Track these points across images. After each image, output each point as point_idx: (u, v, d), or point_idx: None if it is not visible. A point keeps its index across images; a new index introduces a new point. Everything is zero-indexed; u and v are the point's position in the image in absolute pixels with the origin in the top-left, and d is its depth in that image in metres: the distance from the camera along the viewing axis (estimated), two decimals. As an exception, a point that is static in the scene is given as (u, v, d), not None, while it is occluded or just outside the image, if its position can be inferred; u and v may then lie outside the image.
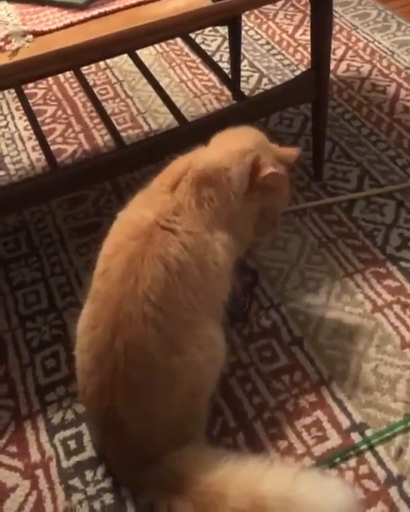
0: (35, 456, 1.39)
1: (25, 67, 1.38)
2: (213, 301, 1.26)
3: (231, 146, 1.32)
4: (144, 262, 1.17)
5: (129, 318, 1.16)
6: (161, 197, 1.26)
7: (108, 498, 1.31)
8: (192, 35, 2.16)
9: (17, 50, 1.36)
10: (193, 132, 1.73)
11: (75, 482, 1.34)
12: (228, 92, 2.33)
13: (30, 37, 1.38)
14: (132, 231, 1.21)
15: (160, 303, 1.17)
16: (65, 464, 1.37)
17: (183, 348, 1.20)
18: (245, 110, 1.80)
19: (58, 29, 1.40)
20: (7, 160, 2.14)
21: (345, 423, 1.38)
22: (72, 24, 1.40)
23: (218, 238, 1.25)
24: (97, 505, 1.30)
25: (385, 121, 2.14)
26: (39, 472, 1.36)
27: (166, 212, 1.22)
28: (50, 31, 1.40)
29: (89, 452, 1.39)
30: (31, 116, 1.89)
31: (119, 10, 1.42)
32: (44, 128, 2.16)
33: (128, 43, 1.47)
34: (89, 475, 1.35)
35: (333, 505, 1.11)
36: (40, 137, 1.82)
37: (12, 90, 2.35)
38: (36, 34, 1.39)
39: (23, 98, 1.93)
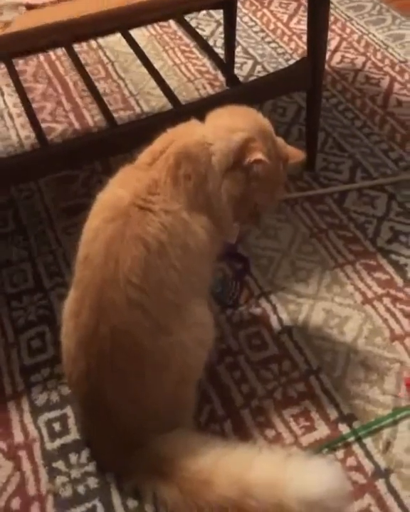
0: (18, 437, 1.36)
1: (17, 40, 1.35)
2: (197, 282, 1.23)
3: (222, 122, 1.26)
4: (124, 244, 1.14)
5: (112, 302, 1.14)
6: (138, 174, 1.21)
7: (93, 482, 1.29)
8: (187, 19, 2.13)
9: (9, 22, 1.33)
10: (186, 115, 1.70)
11: (59, 465, 1.32)
12: (221, 78, 2.30)
13: (22, 9, 1.35)
14: (110, 213, 1.17)
15: (143, 284, 1.14)
16: (49, 446, 1.35)
17: (170, 330, 1.18)
18: (239, 95, 1.78)
19: (51, 3, 1.38)
20: (-5, 136, 2.10)
21: (333, 414, 1.37)
22: (66, -2, 1.38)
23: (196, 219, 1.20)
24: (81, 488, 1.28)
25: (378, 114, 2.14)
26: (22, 453, 1.34)
27: (142, 191, 1.17)
28: (44, 5, 1.37)
29: (74, 435, 1.36)
30: (22, 92, 1.85)
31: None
32: (34, 105, 2.10)
33: (121, 19, 1.45)
34: (73, 458, 1.33)
35: (320, 486, 1.10)
36: (30, 114, 1.78)
37: (2, 66, 2.30)
38: (29, 7, 1.37)
39: (13, 74, 1.89)
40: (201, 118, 1.30)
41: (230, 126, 1.24)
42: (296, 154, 1.33)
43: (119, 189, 1.20)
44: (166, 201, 1.18)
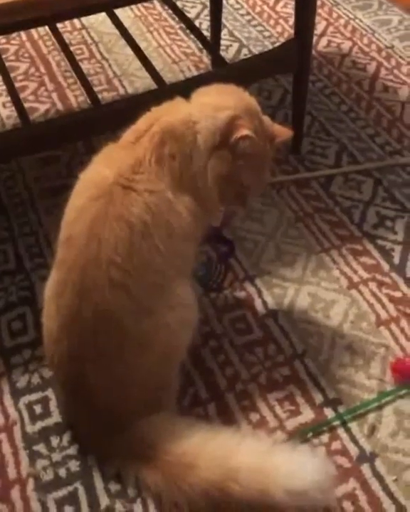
0: (-2, 420, 1.34)
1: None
2: (181, 263, 1.22)
3: (208, 100, 1.23)
4: (106, 224, 1.12)
5: (94, 283, 1.12)
6: (122, 153, 1.19)
7: (74, 466, 1.27)
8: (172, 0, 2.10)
9: None
10: (171, 95, 1.67)
11: (40, 448, 1.30)
12: (207, 60, 2.28)
13: None
14: (93, 192, 1.15)
15: (126, 265, 1.12)
16: (29, 428, 1.33)
17: (153, 311, 1.17)
18: (225, 76, 1.74)
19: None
20: (-24, 115, 2.06)
21: (318, 398, 1.36)
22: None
23: (180, 200, 1.18)
24: (62, 472, 1.26)
25: (365, 99, 2.12)
26: (2, 436, 1.32)
27: (126, 170, 1.15)
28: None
29: (55, 418, 1.34)
30: (4, 71, 1.81)
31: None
32: (16, 85, 2.07)
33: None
34: (54, 441, 1.31)
35: (306, 477, 1.10)
36: (13, 93, 1.74)
37: (-17, 44, 2.27)
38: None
39: (-5, 51, 1.86)
40: (187, 98, 1.27)
41: (216, 105, 1.21)
42: (283, 132, 1.30)
43: (103, 168, 1.18)
44: (151, 181, 1.15)
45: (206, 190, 1.22)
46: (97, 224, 1.12)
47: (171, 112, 1.22)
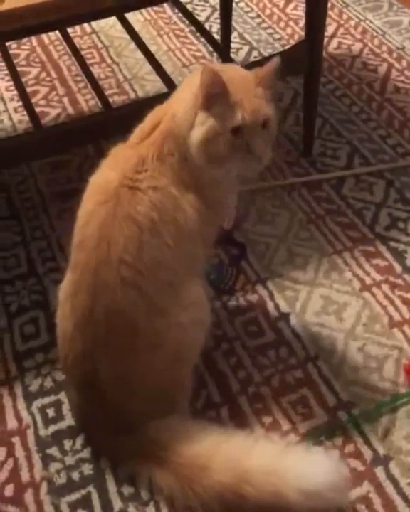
0: (11, 423, 1.34)
1: (10, 18, 1.34)
2: (191, 261, 1.22)
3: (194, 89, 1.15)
4: (115, 224, 1.13)
5: (106, 283, 1.13)
6: (127, 153, 1.20)
7: (87, 469, 1.27)
8: (182, 3, 2.10)
9: (2, 0, 1.31)
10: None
11: (53, 451, 1.30)
12: (217, 63, 2.27)
13: None
14: (100, 196, 1.16)
15: (136, 264, 1.13)
16: (42, 432, 1.33)
17: (165, 310, 1.17)
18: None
19: (45, -19, 1.35)
20: (-13, 120, 2.07)
21: (331, 401, 1.36)
22: (59, -23, 1.36)
23: (185, 197, 1.17)
24: (75, 475, 1.26)
25: (376, 100, 2.11)
26: (16, 440, 1.32)
27: (130, 170, 1.16)
28: (37, -17, 1.35)
29: (68, 421, 1.34)
30: (15, 76, 1.81)
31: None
32: (27, 90, 2.08)
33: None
34: (67, 444, 1.31)
35: (319, 477, 1.10)
36: (24, 98, 1.75)
37: (-6, 49, 2.27)
38: (21, -15, 1.34)
39: (7, 57, 1.86)
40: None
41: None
42: (269, 66, 1.16)
43: (109, 171, 1.19)
44: (154, 177, 1.16)
45: (209, 187, 1.21)
46: (106, 226, 1.13)
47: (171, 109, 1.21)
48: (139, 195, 1.14)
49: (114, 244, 1.13)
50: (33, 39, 2.39)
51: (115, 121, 1.62)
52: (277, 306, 1.54)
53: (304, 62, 1.76)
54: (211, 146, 1.13)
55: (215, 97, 1.11)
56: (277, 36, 2.43)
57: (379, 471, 1.25)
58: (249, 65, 2.09)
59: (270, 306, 1.54)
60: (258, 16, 2.54)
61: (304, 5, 1.72)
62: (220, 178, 1.20)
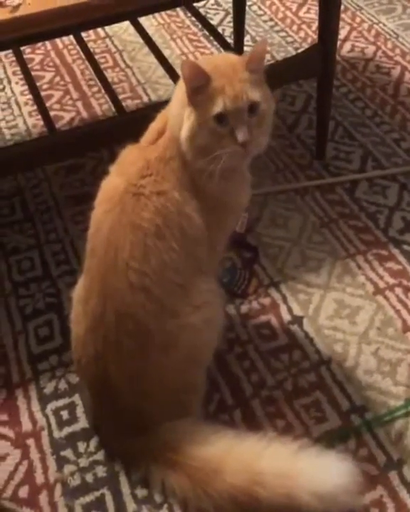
0: (26, 425, 1.35)
1: (25, 24, 1.35)
2: (200, 263, 1.22)
3: None
4: (121, 231, 1.14)
5: (115, 288, 1.14)
6: (134, 156, 1.20)
7: (101, 471, 1.28)
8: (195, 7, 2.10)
9: (18, 5, 1.33)
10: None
11: (67, 453, 1.31)
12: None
13: None
14: (107, 204, 1.17)
15: (144, 268, 1.14)
16: (57, 434, 1.34)
17: (176, 311, 1.18)
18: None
19: (60, -13, 1.37)
20: (2, 125, 2.09)
21: (345, 405, 1.36)
22: (75, -18, 1.36)
23: (188, 202, 1.17)
24: (89, 477, 1.27)
25: (389, 104, 2.11)
26: (30, 442, 1.33)
27: (134, 175, 1.16)
28: (52, -11, 1.36)
29: (82, 423, 1.35)
30: (30, 80, 1.83)
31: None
32: (41, 94, 2.09)
33: (131, 4, 1.44)
34: (81, 446, 1.32)
35: (332, 479, 1.10)
36: (39, 102, 1.76)
37: (9, 54, 2.29)
38: (39, -9, 1.35)
39: (21, 62, 1.87)
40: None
41: None
42: (258, 47, 1.12)
43: (115, 177, 1.20)
44: (158, 182, 1.16)
45: (210, 190, 1.18)
46: (113, 233, 1.15)
47: None
48: (143, 201, 1.15)
49: (121, 251, 1.14)
50: (47, 43, 2.41)
51: (129, 125, 1.63)
52: (290, 310, 1.54)
53: (317, 66, 1.76)
54: (198, 138, 1.10)
55: (199, 89, 1.08)
56: (290, 39, 2.43)
57: (393, 475, 1.25)
58: (265, 71, 2.10)
59: (283, 309, 1.54)
60: (271, 20, 2.55)
61: (317, 8, 1.72)
62: (211, 173, 1.12)
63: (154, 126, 1.24)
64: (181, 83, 1.14)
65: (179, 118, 1.13)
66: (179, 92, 1.15)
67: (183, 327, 1.18)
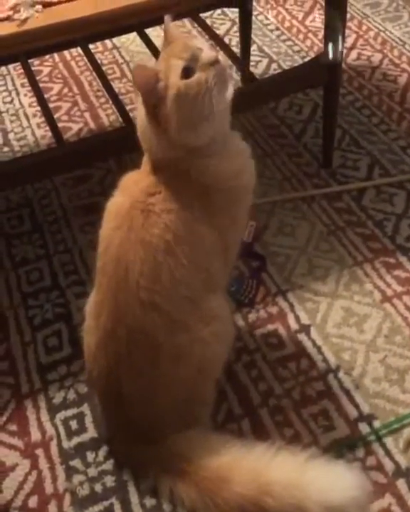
0: (35, 435, 1.36)
1: (33, 37, 1.37)
2: (211, 278, 1.22)
3: None
4: (131, 249, 1.13)
5: (126, 305, 1.15)
6: (136, 177, 1.20)
7: (110, 481, 1.28)
8: (202, 17, 2.12)
9: (26, 19, 1.34)
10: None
11: (76, 463, 1.31)
12: (236, 76, 2.28)
13: (39, 7, 1.37)
14: (114, 221, 1.17)
15: (154, 285, 1.14)
16: (66, 444, 1.35)
17: (187, 326, 1.18)
18: (256, 92, 1.77)
19: (67, 0, 1.39)
20: (11, 136, 2.11)
21: (353, 413, 1.36)
22: (82, -4, 1.38)
23: (198, 218, 1.16)
24: (98, 487, 1.28)
25: (396, 111, 2.12)
26: (39, 452, 1.34)
27: (140, 194, 1.15)
28: (59, 2, 1.39)
29: (91, 433, 1.36)
30: (38, 92, 1.84)
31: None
32: (50, 105, 2.12)
33: (138, 16, 1.44)
34: (90, 456, 1.32)
35: (342, 491, 1.09)
36: (47, 113, 1.78)
37: (18, 66, 2.31)
38: (45, 5, 1.38)
39: (30, 74, 1.89)
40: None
41: None
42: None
43: (120, 197, 1.19)
44: (167, 200, 1.15)
45: (214, 179, 1.18)
46: (123, 250, 1.14)
47: None
48: (153, 218, 1.14)
49: (131, 268, 1.13)
50: (56, 55, 2.43)
51: (136, 135, 1.64)
52: (297, 318, 1.54)
53: (323, 75, 1.77)
54: (186, 101, 1.07)
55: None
56: (296, 48, 2.44)
57: (401, 484, 1.24)
58: (269, 78, 2.11)
59: (291, 317, 1.55)
60: (277, 29, 2.56)
61: (323, 17, 1.73)
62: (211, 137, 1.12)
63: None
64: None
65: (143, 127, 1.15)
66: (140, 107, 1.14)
67: (193, 341, 1.18)
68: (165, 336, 1.16)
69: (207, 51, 1.09)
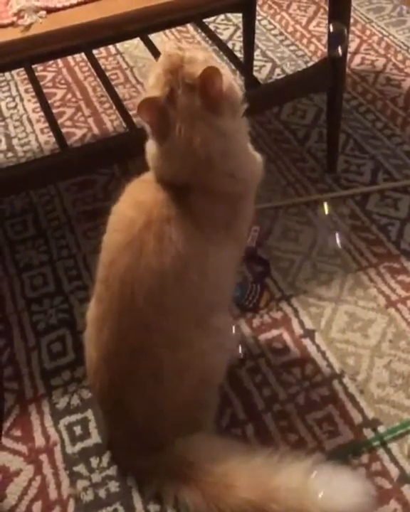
0: (39, 441, 1.36)
1: (37, 43, 1.37)
2: (219, 296, 1.22)
3: None
4: (139, 272, 1.11)
5: (131, 329, 1.14)
6: (149, 191, 1.15)
7: (114, 486, 1.28)
8: (205, 23, 2.12)
9: (30, 25, 1.35)
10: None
11: (80, 468, 1.31)
12: (240, 81, 2.28)
13: (43, 13, 1.37)
14: (124, 234, 1.13)
15: (161, 310, 1.13)
16: (70, 449, 1.34)
17: (190, 342, 1.17)
18: (259, 97, 1.77)
19: (71, 6, 1.39)
20: (15, 142, 2.11)
21: (357, 418, 1.35)
22: (85, 2, 1.39)
23: (212, 240, 1.15)
24: (102, 492, 1.27)
25: (400, 116, 2.11)
26: (43, 457, 1.33)
27: (155, 213, 1.11)
28: (64, 8, 1.39)
29: (94, 439, 1.36)
30: (42, 98, 1.85)
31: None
32: (53, 111, 2.12)
33: (141, 22, 1.45)
34: (94, 462, 1.32)
35: (346, 498, 1.09)
36: (51, 118, 1.78)
37: (22, 72, 2.32)
38: (49, 10, 1.38)
39: (33, 79, 1.89)
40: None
41: None
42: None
43: (130, 209, 1.15)
44: (181, 222, 1.11)
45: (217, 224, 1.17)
46: (131, 273, 1.11)
47: None
48: (166, 244, 1.10)
49: (138, 293, 1.11)
50: (59, 61, 2.44)
51: (140, 140, 1.64)
52: (301, 323, 1.54)
53: (327, 80, 1.77)
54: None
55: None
56: (300, 53, 2.45)
57: (406, 489, 1.24)
58: (272, 83, 2.11)
59: (295, 323, 1.54)
60: (281, 34, 2.56)
61: (326, 22, 1.73)
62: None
63: None
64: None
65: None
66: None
67: (196, 355, 1.18)
68: (168, 354, 1.16)
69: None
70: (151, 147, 1.15)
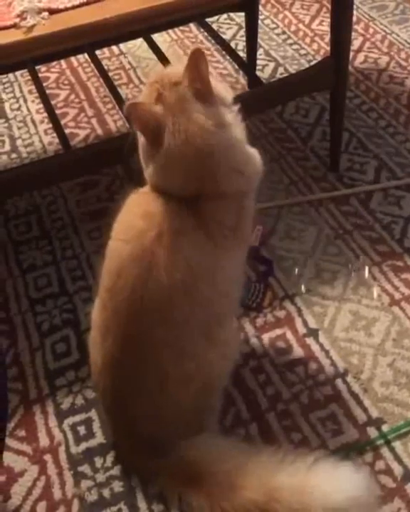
0: (43, 441, 1.36)
1: (40, 44, 1.36)
2: (225, 306, 1.22)
3: None
4: (149, 285, 1.10)
5: (136, 340, 1.14)
6: (158, 203, 1.13)
7: (118, 486, 1.28)
8: (208, 22, 2.12)
9: (32, 26, 1.35)
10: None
11: (85, 468, 1.31)
12: (243, 81, 2.29)
13: (45, 14, 1.36)
14: (133, 248, 1.11)
15: (169, 323, 1.13)
16: (74, 449, 1.35)
17: (195, 353, 1.17)
18: (262, 96, 1.77)
19: (73, 7, 1.39)
20: (19, 143, 2.11)
21: (361, 417, 1.35)
22: (88, 3, 1.38)
23: (222, 250, 1.15)
24: (106, 492, 1.28)
25: (403, 114, 2.11)
26: (48, 457, 1.34)
27: (166, 225, 1.10)
28: (66, 9, 1.39)
29: (99, 439, 1.36)
30: (45, 99, 1.86)
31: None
32: (56, 112, 2.12)
33: (145, 22, 1.44)
34: (98, 462, 1.32)
35: (345, 493, 1.09)
36: (54, 119, 1.79)
37: (25, 73, 2.32)
38: (52, 12, 1.38)
39: (37, 80, 1.90)
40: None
41: None
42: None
43: (141, 220, 1.13)
44: (190, 235, 1.11)
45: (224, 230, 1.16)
46: (140, 283, 1.10)
47: None
48: (178, 258, 1.10)
49: (146, 306, 1.11)
50: (62, 62, 2.44)
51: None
52: (305, 322, 1.54)
53: (330, 79, 1.77)
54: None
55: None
56: (303, 52, 2.44)
57: (410, 488, 1.24)
58: (275, 82, 2.11)
59: (298, 322, 1.54)
60: (284, 33, 2.56)
61: (329, 20, 1.73)
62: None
63: None
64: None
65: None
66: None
67: (200, 365, 1.18)
68: (173, 365, 1.16)
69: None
70: (149, 166, 1.15)
